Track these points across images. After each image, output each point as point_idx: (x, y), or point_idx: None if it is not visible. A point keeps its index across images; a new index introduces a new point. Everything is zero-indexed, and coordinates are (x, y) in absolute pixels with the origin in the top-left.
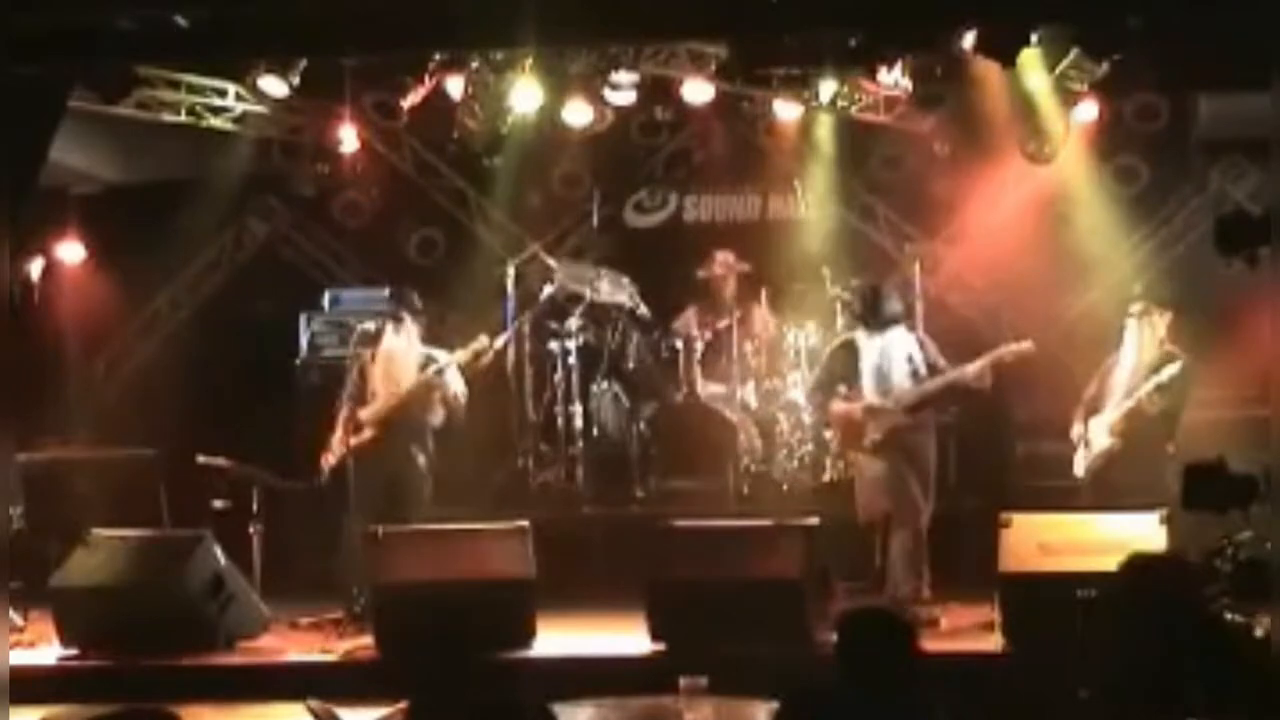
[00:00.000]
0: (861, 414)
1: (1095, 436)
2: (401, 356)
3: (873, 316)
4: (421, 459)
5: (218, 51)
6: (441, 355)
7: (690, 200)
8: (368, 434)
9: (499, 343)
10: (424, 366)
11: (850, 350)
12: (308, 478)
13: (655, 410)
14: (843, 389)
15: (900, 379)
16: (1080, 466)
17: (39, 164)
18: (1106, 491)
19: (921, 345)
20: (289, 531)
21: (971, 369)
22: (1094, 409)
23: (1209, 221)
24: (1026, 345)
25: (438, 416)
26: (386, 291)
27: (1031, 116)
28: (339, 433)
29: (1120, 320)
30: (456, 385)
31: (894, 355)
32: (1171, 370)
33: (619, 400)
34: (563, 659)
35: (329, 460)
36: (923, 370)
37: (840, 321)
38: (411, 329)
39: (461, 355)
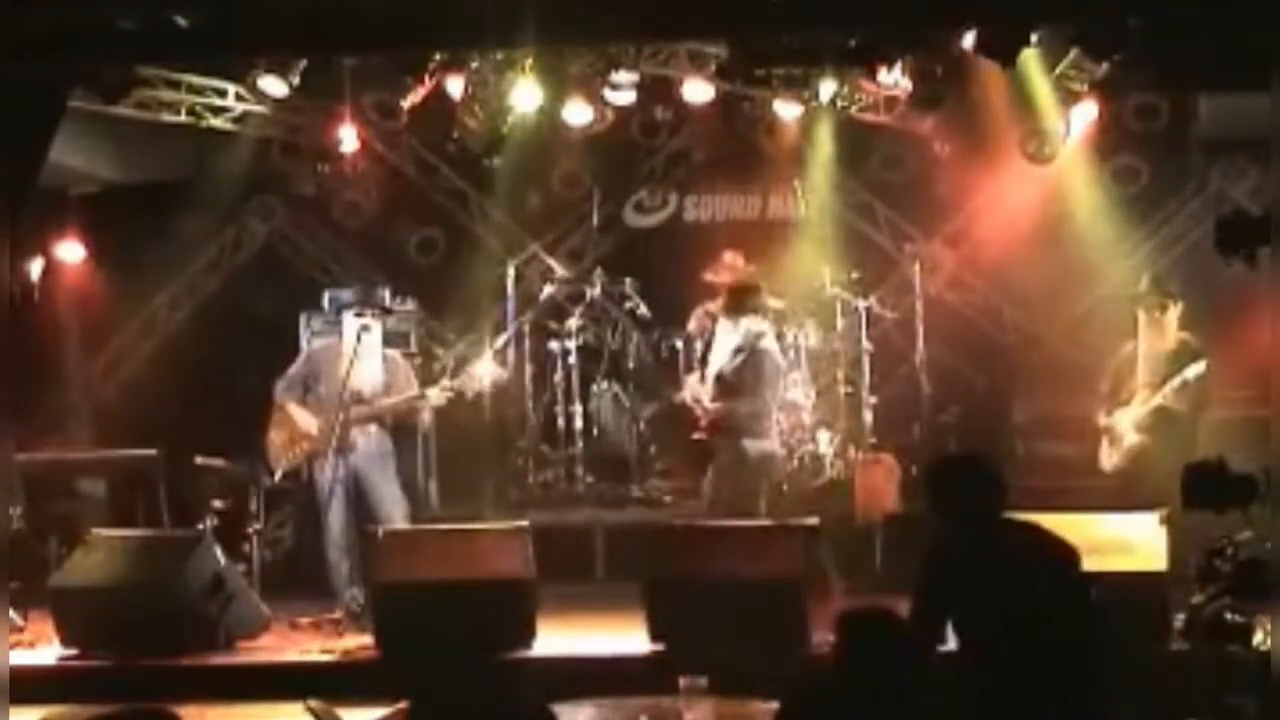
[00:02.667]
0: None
1: (1124, 433)
2: (365, 358)
3: (729, 308)
4: (384, 455)
5: (218, 51)
6: (403, 362)
7: (690, 200)
8: (334, 437)
9: (499, 343)
10: (385, 368)
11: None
12: (278, 474)
13: (655, 410)
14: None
15: (714, 374)
16: (1107, 462)
17: (39, 164)
18: (1135, 488)
19: (748, 356)
20: (289, 531)
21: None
22: (1115, 401)
23: (1209, 221)
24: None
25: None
26: (351, 291)
27: (1031, 116)
28: (286, 431)
29: (1132, 313)
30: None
31: (721, 348)
32: (1197, 369)
33: (619, 400)
34: (563, 659)
35: (275, 454)
36: (727, 374)
37: (840, 322)
38: (377, 329)
39: (471, 381)
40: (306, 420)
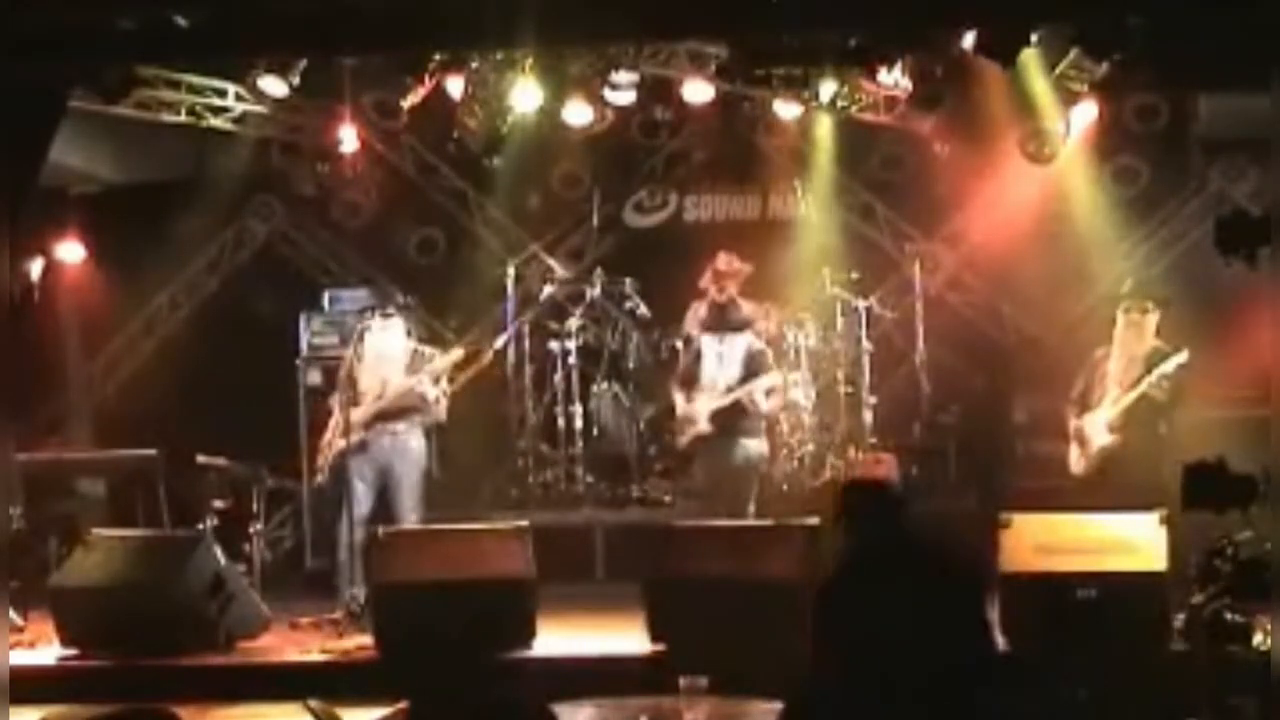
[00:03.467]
0: (683, 416)
1: (1094, 434)
2: (387, 355)
3: (717, 321)
4: (410, 456)
5: (218, 51)
6: (428, 351)
7: (690, 200)
8: (356, 436)
9: (499, 343)
10: (412, 362)
11: (693, 352)
12: (308, 477)
13: (655, 410)
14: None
15: (723, 383)
16: (1077, 464)
17: (39, 164)
18: (1105, 489)
19: (750, 357)
20: (289, 531)
21: (741, 393)
22: (1085, 405)
23: (1209, 221)
24: (775, 379)
25: (425, 416)
26: (365, 291)
27: (1031, 116)
28: (329, 435)
29: (1112, 316)
30: (432, 390)
31: (716, 358)
32: (1179, 360)
33: (619, 400)
34: (563, 659)
35: (320, 462)
36: (734, 380)
37: (840, 322)
38: (396, 326)
39: (442, 362)
40: (335, 425)
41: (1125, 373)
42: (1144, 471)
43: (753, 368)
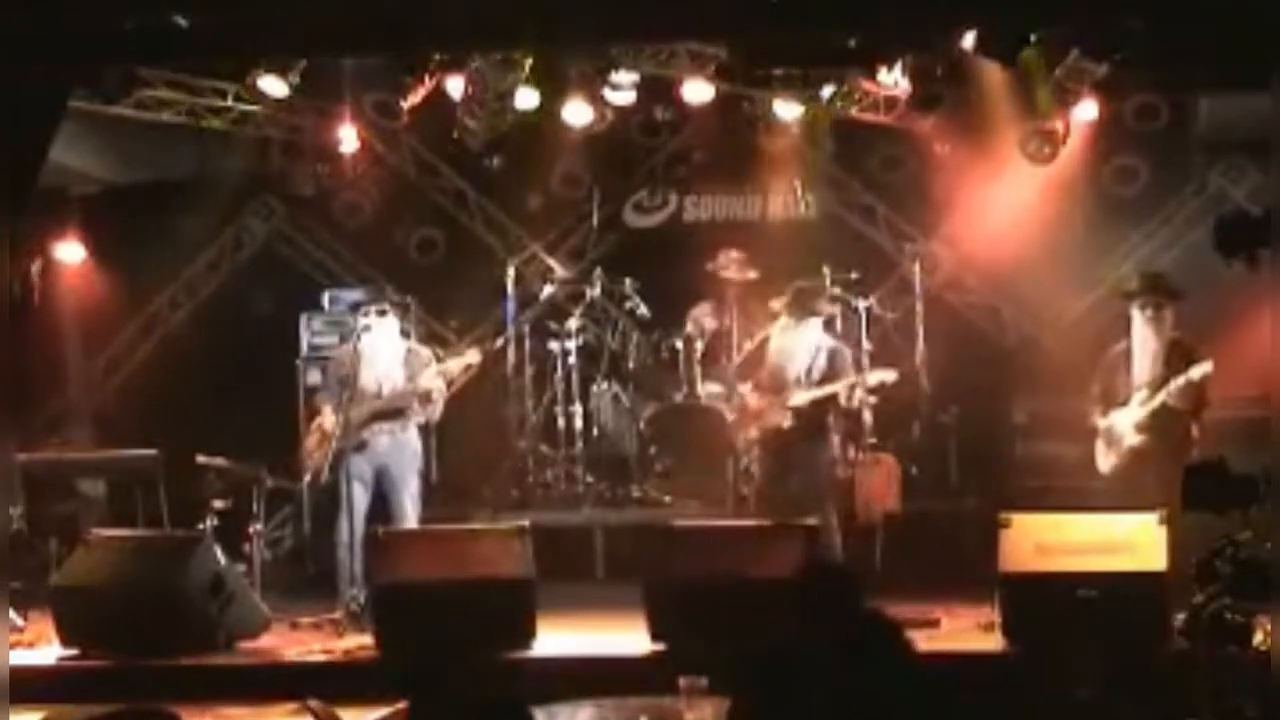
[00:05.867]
0: (756, 406)
1: (1123, 433)
2: (382, 353)
3: (796, 307)
4: (407, 455)
5: (218, 52)
6: (423, 351)
7: (690, 200)
8: (354, 436)
9: (499, 343)
10: (407, 361)
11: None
12: (306, 477)
13: (655, 410)
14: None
15: (795, 373)
16: (1104, 464)
17: (39, 164)
18: (1132, 490)
19: (832, 353)
20: (289, 531)
21: (837, 387)
22: (1111, 402)
23: (1209, 222)
24: (891, 375)
25: (420, 416)
26: (359, 292)
27: (1031, 116)
28: (315, 435)
29: (1124, 312)
30: (437, 387)
31: (799, 350)
32: (1203, 370)
33: (619, 400)
34: (563, 659)
35: (310, 462)
36: (815, 375)
37: (840, 322)
38: (390, 324)
39: (456, 364)
40: (331, 421)
41: (1151, 370)
42: (1168, 475)
43: (837, 363)
